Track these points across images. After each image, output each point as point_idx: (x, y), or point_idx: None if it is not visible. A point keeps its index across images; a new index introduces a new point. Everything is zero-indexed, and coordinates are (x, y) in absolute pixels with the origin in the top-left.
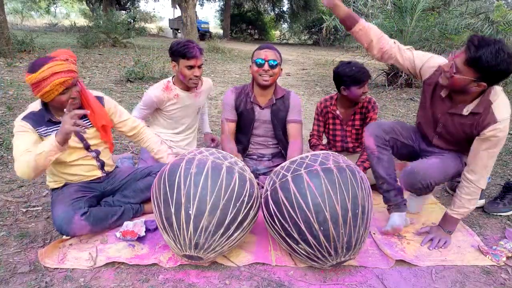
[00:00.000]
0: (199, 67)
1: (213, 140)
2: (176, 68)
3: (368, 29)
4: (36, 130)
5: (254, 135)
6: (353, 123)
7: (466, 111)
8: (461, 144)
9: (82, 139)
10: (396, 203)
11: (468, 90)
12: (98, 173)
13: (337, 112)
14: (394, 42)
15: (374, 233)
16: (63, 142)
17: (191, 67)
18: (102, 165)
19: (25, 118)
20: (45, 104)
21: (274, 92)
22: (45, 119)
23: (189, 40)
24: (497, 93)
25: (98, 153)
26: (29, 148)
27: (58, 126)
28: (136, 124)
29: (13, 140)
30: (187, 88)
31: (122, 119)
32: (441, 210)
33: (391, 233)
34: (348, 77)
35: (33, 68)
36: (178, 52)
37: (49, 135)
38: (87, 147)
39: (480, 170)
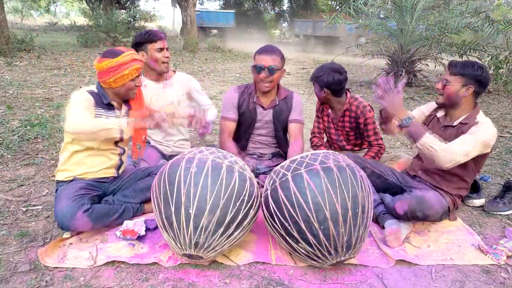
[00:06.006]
0: (167, 49)
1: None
2: (145, 57)
3: None
4: (95, 108)
5: (255, 134)
6: (343, 125)
7: (456, 122)
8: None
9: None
10: (382, 213)
11: (460, 96)
12: (112, 173)
13: (329, 110)
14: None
15: (374, 233)
16: (132, 131)
17: (160, 50)
18: (119, 166)
19: (90, 93)
20: (102, 90)
21: (277, 93)
22: (103, 101)
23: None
24: (484, 118)
25: (123, 151)
26: (87, 113)
27: (114, 111)
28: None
29: (70, 104)
30: (156, 78)
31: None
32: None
33: (391, 237)
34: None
35: (113, 54)
36: (145, 39)
37: (101, 117)
38: (119, 140)
39: (455, 143)
